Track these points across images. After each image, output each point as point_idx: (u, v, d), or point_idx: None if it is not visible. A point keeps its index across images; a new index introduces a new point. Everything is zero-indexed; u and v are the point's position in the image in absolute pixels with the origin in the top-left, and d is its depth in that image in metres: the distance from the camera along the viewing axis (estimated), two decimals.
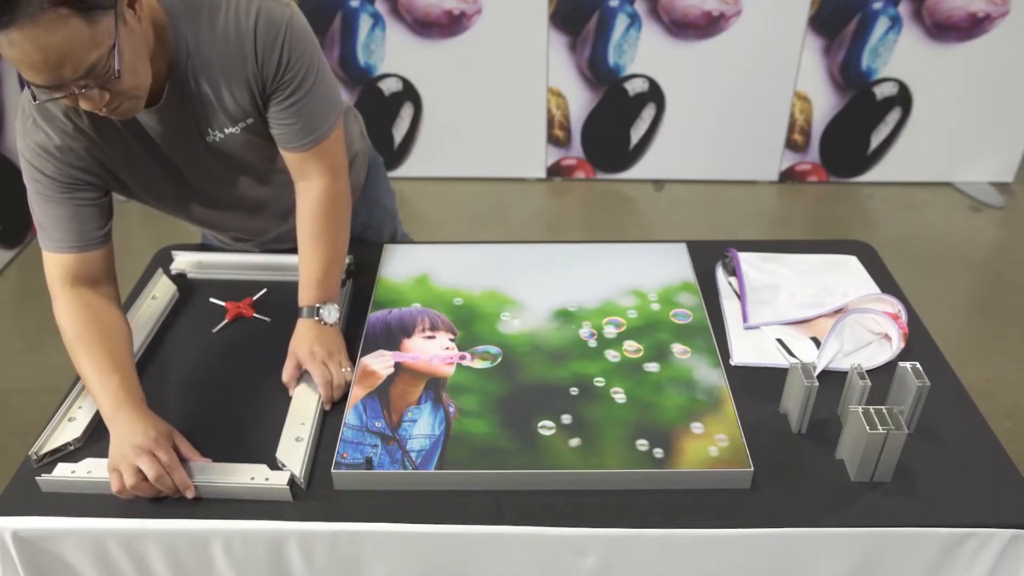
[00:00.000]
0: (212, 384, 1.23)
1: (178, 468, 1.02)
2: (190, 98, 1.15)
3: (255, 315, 1.35)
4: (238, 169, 1.28)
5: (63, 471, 1.06)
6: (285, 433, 1.10)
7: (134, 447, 1.01)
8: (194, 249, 1.53)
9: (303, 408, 1.15)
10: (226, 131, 1.19)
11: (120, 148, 1.18)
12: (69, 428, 1.12)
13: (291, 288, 1.35)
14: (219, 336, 1.32)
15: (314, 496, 1.04)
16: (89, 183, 1.17)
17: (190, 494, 1.02)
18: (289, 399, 1.17)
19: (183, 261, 1.47)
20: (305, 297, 1.25)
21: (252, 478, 1.04)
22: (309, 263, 1.26)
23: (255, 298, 1.38)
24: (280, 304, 1.36)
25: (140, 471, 1.00)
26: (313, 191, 1.26)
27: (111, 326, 1.16)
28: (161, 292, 1.40)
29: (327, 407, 1.17)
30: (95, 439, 1.12)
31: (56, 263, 1.17)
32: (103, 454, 1.06)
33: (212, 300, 1.38)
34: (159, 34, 1.09)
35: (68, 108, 1.10)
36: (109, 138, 1.16)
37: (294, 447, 1.08)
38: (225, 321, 1.33)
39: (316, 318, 1.22)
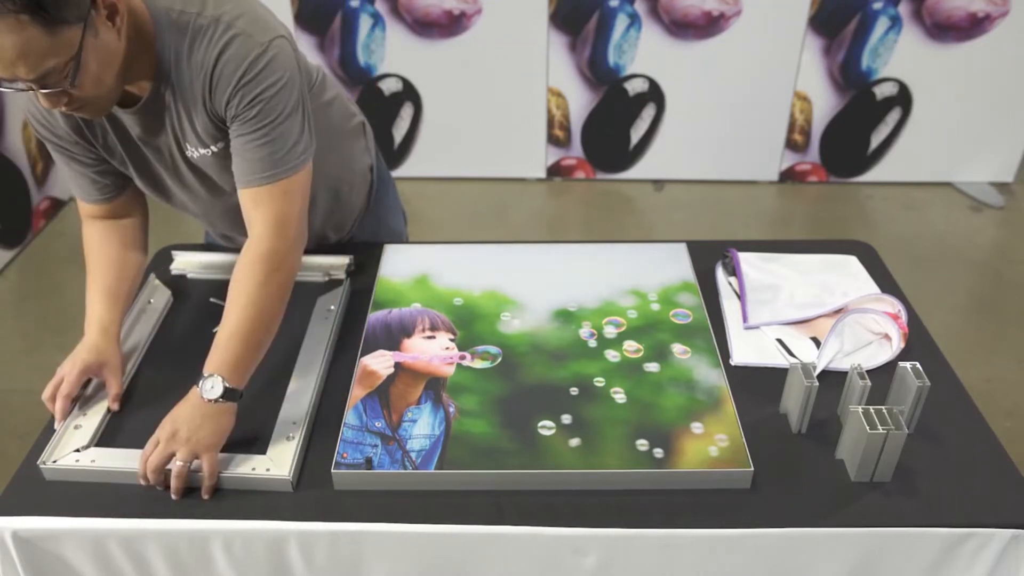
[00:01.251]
0: None
1: (61, 399, 1.14)
2: (168, 111, 1.15)
3: None
4: (215, 185, 1.27)
5: (68, 460, 1.07)
6: (276, 431, 1.11)
7: (64, 368, 1.16)
8: (194, 249, 1.52)
9: (295, 407, 1.15)
10: (199, 151, 1.19)
11: (101, 138, 1.20)
12: (76, 436, 1.11)
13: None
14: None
15: (314, 496, 1.04)
16: (87, 155, 1.23)
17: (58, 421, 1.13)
18: (284, 397, 1.17)
19: (183, 261, 1.47)
20: (207, 362, 1.10)
21: (253, 468, 1.05)
22: (221, 323, 1.12)
23: None
24: None
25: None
26: (250, 243, 1.15)
27: (112, 258, 1.28)
28: (157, 298, 1.40)
29: (140, 481, 1.04)
30: (102, 444, 1.12)
31: (79, 202, 1.31)
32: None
33: (212, 300, 1.37)
34: (146, 41, 1.08)
35: None
36: (91, 125, 1.19)
37: (285, 445, 1.09)
38: None
39: (198, 387, 1.07)
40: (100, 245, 1.29)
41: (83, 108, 1.06)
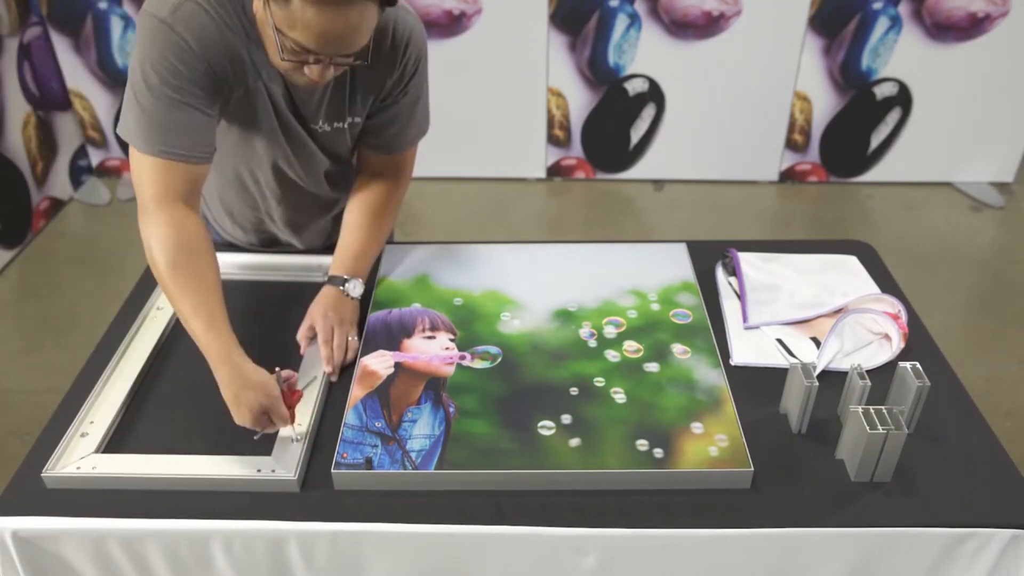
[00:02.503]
0: (213, 386, 1.23)
1: (268, 423, 1.07)
2: (334, 80, 1.20)
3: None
4: (316, 161, 1.33)
5: (69, 467, 1.06)
6: (281, 432, 1.10)
7: (237, 406, 1.05)
8: None
9: (300, 408, 1.14)
10: (334, 125, 1.27)
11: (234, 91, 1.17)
12: (83, 444, 1.10)
13: (290, 287, 1.38)
14: None
15: (314, 496, 1.04)
16: (212, 96, 1.14)
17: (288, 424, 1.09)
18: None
19: None
20: (337, 267, 1.31)
21: (259, 470, 1.05)
22: (350, 238, 1.34)
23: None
24: (281, 303, 1.36)
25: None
26: (378, 183, 1.36)
27: (203, 258, 1.13)
28: (165, 304, 1.38)
29: (327, 369, 1.21)
30: (110, 451, 1.11)
31: (159, 174, 1.12)
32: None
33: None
34: None
35: (226, 29, 1.10)
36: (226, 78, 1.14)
37: (290, 447, 1.08)
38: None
39: (341, 288, 1.29)
40: (196, 247, 1.13)
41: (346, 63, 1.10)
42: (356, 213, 1.35)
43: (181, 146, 1.12)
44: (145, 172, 1.13)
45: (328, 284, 1.30)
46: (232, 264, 1.45)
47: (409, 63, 1.25)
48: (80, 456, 1.08)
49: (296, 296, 1.35)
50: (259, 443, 1.09)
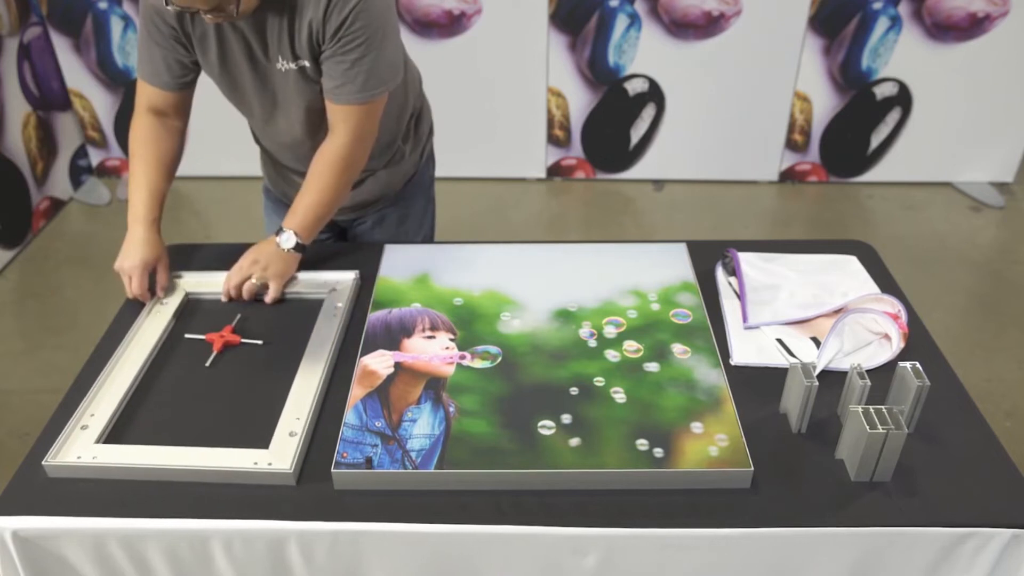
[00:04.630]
0: (213, 383, 1.23)
1: (141, 292, 1.37)
2: (272, 21, 1.28)
3: (243, 340, 1.30)
4: (291, 100, 1.39)
5: (70, 457, 1.07)
6: (280, 426, 1.11)
7: (125, 266, 1.38)
8: (187, 260, 1.50)
9: (299, 403, 1.15)
10: (289, 64, 1.33)
11: (198, 29, 1.33)
12: (83, 436, 1.11)
13: (289, 303, 1.39)
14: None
15: (314, 496, 1.04)
16: (177, 40, 1.35)
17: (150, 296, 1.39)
18: (287, 395, 1.17)
19: (185, 282, 1.44)
20: (284, 220, 1.41)
21: (255, 463, 1.06)
22: (299, 197, 1.41)
23: (234, 324, 1.35)
24: (280, 320, 1.37)
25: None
26: (332, 143, 1.39)
27: (161, 151, 1.44)
28: (170, 298, 1.39)
29: (223, 297, 1.40)
30: (110, 443, 1.12)
31: (142, 90, 1.43)
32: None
33: (188, 336, 1.33)
34: None
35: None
36: (192, 18, 1.33)
37: (287, 441, 1.09)
38: (214, 354, 1.28)
39: (275, 238, 1.39)
40: (150, 140, 1.43)
41: (221, 14, 1.22)
42: (311, 167, 1.42)
43: (145, 73, 1.40)
44: (140, 90, 1.44)
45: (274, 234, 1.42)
46: (212, 282, 1.43)
47: (335, 16, 1.26)
48: (81, 447, 1.09)
49: (300, 313, 1.36)
50: (257, 437, 1.10)
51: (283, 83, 1.37)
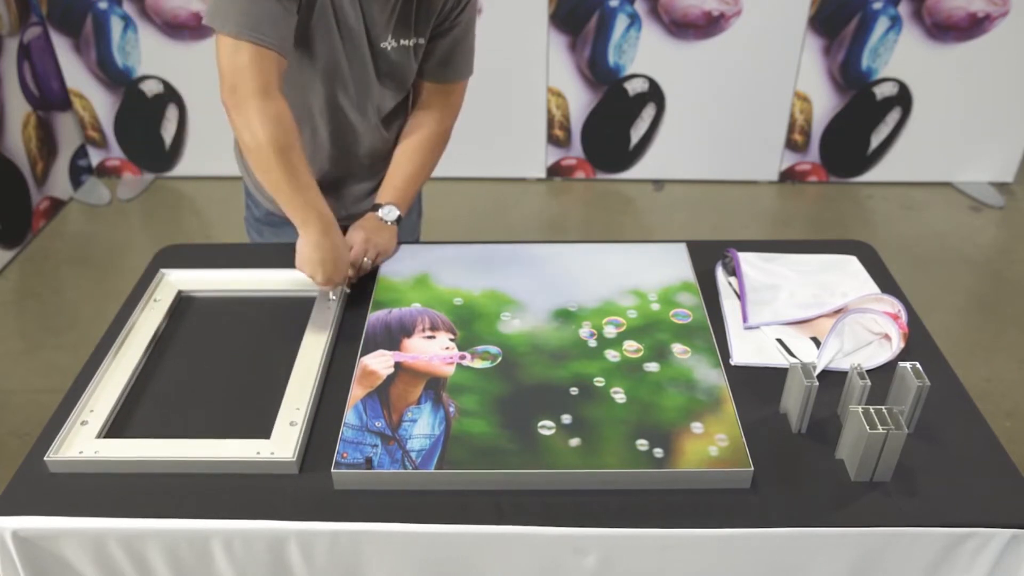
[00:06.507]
0: (211, 377, 1.23)
1: (341, 280, 1.32)
2: None
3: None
4: (374, 91, 1.38)
5: (72, 452, 1.08)
6: (280, 416, 1.12)
7: (337, 267, 1.30)
8: (189, 262, 1.50)
9: (299, 393, 1.16)
10: (402, 42, 1.33)
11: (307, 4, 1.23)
12: (83, 432, 1.12)
13: (284, 301, 1.38)
14: (219, 333, 1.32)
15: (314, 496, 1.04)
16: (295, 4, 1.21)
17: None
18: (286, 384, 1.18)
19: (176, 279, 1.44)
20: (380, 195, 1.44)
21: (258, 452, 1.06)
22: (395, 170, 1.45)
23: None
24: (275, 316, 1.37)
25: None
26: (429, 119, 1.45)
27: (300, 144, 1.26)
28: (164, 294, 1.39)
29: (333, 295, 1.35)
30: (111, 438, 1.12)
31: (260, 64, 1.17)
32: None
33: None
34: None
35: None
36: None
37: (288, 431, 1.10)
38: None
39: (377, 214, 1.42)
40: (292, 130, 1.23)
41: None
42: (404, 144, 1.45)
43: (274, 36, 1.17)
44: (248, 61, 1.17)
45: (370, 211, 1.43)
46: (222, 280, 1.44)
47: None
48: (82, 442, 1.10)
49: (288, 311, 1.36)
50: (257, 428, 1.11)
51: (386, 62, 1.35)
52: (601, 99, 3.25)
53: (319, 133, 1.42)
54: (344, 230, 1.55)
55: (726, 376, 1.19)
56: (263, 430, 1.11)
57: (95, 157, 3.46)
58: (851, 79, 3.15)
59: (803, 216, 3.27)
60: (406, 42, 1.33)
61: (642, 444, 1.07)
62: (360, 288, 1.41)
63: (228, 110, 1.22)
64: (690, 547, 1.01)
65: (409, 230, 1.70)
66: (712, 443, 1.07)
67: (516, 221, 3.22)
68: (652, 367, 1.20)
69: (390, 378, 1.18)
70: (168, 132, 3.38)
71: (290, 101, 1.28)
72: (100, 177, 3.48)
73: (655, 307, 1.33)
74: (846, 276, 1.41)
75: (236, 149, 1.55)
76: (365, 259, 1.38)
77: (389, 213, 1.42)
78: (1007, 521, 1.00)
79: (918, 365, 1.09)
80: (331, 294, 1.35)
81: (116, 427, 1.14)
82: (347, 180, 1.53)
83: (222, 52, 1.19)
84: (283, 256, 1.47)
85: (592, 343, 1.25)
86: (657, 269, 1.42)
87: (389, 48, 1.33)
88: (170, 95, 3.30)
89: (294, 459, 1.06)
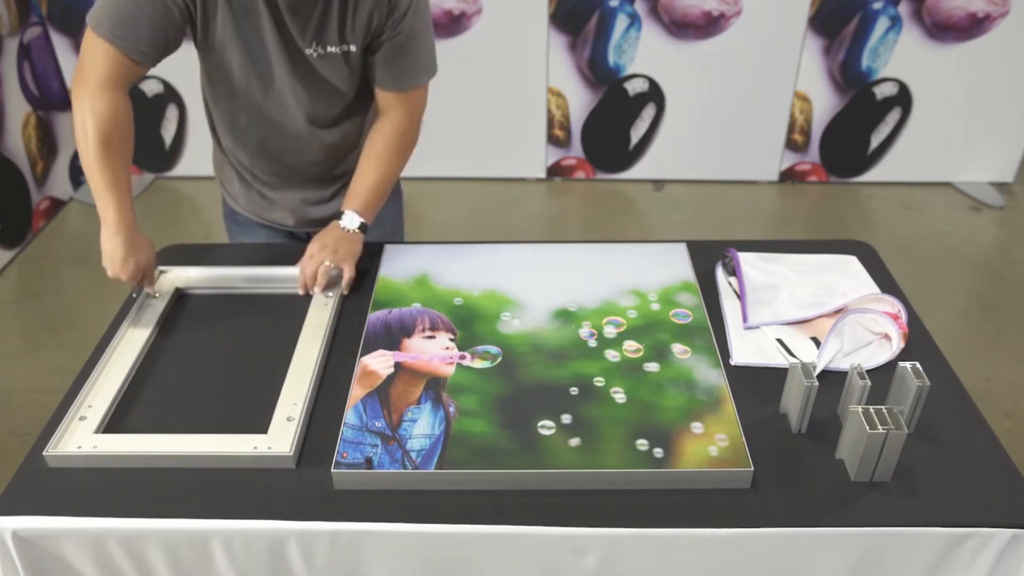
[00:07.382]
0: (208, 372, 1.23)
1: (129, 278, 1.32)
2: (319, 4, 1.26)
3: None
4: (321, 85, 1.36)
5: (70, 447, 1.08)
6: (277, 411, 1.13)
7: (114, 266, 1.30)
8: (189, 262, 1.50)
9: (296, 389, 1.16)
10: (328, 49, 1.31)
11: (206, 17, 1.26)
12: (81, 427, 1.12)
13: (280, 299, 1.38)
14: (216, 330, 1.32)
15: (314, 496, 1.04)
16: (181, 11, 1.24)
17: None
18: (283, 380, 1.18)
19: (175, 276, 1.44)
20: (344, 203, 1.42)
21: (255, 447, 1.07)
22: (358, 178, 1.43)
23: None
24: (273, 314, 1.37)
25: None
26: (390, 121, 1.42)
27: (128, 143, 1.30)
28: (162, 292, 1.40)
29: (300, 290, 1.37)
30: (109, 433, 1.13)
31: (108, 59, 1.24)
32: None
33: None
34: None
35: None
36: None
37: (285, 426, 1.10)
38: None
39: (340, 222, 1.40)
40: (119, 127, 1.26)
41: None
42: (366, 150, 1.43)
43: (129, 39, 1.22)
44: (99, 55, 1.24)
45: (333, 219, 1.42)
46: (220, 277, 1.44)
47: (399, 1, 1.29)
48: (80, 437, 1.10)
49: (285, 309, 1.36)
50: (255, 423, 1.12)
51: (310, 69, 1.33)
52: (601, 99, 3.25)
53: (249, 142, 1.45)
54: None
55: (726, 376, 1.19)
56: (260, 425, 1.11)
57: None
58: (851, 79, 3.15)
59: (803, 216, 3.27)
60: (334, 49, 1.31)
61: (642, 444, 1.07)
62: (360, 288, 1.41)
63: (72, 98, 1.28)
64: (690, 547, 1.01)
65: (392, 227, 1.68)
66: (712, 443, 1.07)
67: (516, 221, 3.22)
68: (652, 367, 1.20)
69: (390, 378, 1.18)
70: (168, 132, 3.38)
71: (219, 111, 1.39)
72: None
73: (655, 307, 1.33)
74: (846, 276, 1.41)
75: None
76: (326, 263, 1.36)
77: (351, 221, 1.40)
78: (1007, 521, 1.00)
79: (918, 365, 1.09)
80: (155, 293, 1.38)
81: (114, 422, 1.15)
82: (293, 188, 1.52)
83: (83, 43, 1.27)
84: (282, 256, 1.48)
85: (592, 343, 1.25)
86: (657, 269, 1.42)
87: (315, 55, 1.31)
88: (170, 95, 3.30)
89: (291, 454, 1.06)
